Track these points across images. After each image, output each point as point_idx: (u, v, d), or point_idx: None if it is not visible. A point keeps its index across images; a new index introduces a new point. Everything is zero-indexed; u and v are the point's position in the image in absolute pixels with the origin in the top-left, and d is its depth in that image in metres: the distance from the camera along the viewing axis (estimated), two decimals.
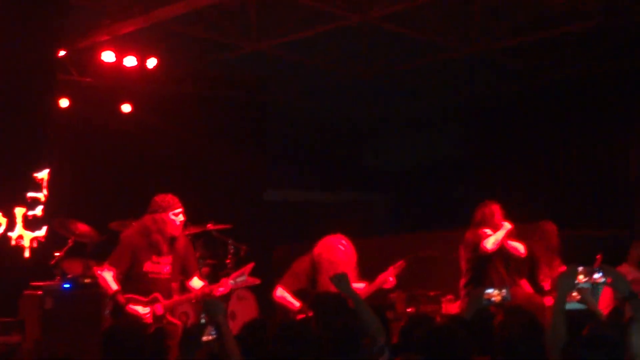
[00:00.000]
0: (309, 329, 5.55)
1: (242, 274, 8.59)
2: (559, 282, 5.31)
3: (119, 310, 8.27)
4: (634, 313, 5.17)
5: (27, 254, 10.66)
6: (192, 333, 5.47)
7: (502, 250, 9.44)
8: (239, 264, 11.69)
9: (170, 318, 8.50)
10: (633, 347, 4.33)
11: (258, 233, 14.51)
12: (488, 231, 9.45)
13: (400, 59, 14.03)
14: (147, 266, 8.40)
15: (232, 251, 11.69)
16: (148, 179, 13.58)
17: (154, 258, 8.43)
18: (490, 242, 9.37)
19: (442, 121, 17.41)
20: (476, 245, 9.46)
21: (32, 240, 10.75)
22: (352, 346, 5.36)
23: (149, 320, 8.30)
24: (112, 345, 5.71)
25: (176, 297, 8.65)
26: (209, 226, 11.31)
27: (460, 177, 17.75)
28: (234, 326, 8.48)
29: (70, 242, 10.83)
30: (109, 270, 8.37)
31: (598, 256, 9.77)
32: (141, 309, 8.28)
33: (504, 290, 6.35)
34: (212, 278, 11.38)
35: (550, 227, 10.03)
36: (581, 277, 5.25)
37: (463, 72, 14.98)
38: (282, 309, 9.11)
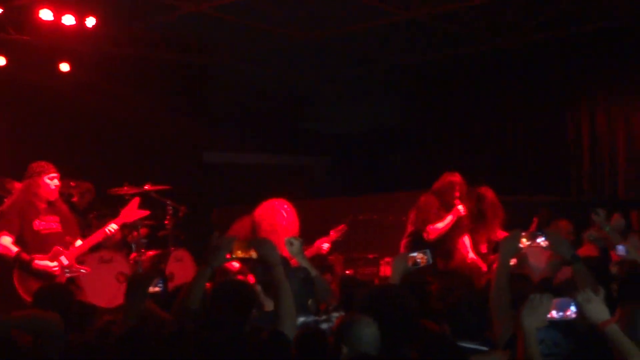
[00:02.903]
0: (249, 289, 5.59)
1: (129, 210, 9.17)
2: (503, 246, 5.40)
3: (26, 269, 8.45)
4: (576, 276, 5.29)
5: None
6: (139, 283, 5.43)
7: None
8: (177, 225, 11.71)
9: (77, 266, 8.74)
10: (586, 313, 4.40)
11: (197, 195, 14.51)
12: (440, 224, 9.57)
13: (341, 23, 14.00)
14: (36, 224, 8.76)
15: (170, 212, 11.68)
16: (85, 139, 13.50)
17: (40, 217, 8.69)
18: (433, 232, 9.53)
19: (382, 87, 17.46)
20: (421, 221, 9.60)
21: None
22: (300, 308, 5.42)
23: (57, 272, 8.51)
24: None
25: (76, 247, 8.83)
26: (147, 187, 11.27)
27: (399, 143, 17.88)
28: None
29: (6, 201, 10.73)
30: (8, 236, 8.57)
31: (535, 218, 9.95)
32: (49, 263, 8.50)
33: (426, 252, 6.41)
34: (151, 238, 11.41)
35: (491, 192, 10.14)
36: (524, 241, 5.35)
37: (403, 38, 15.00)
38: (221, 270, 9.13)
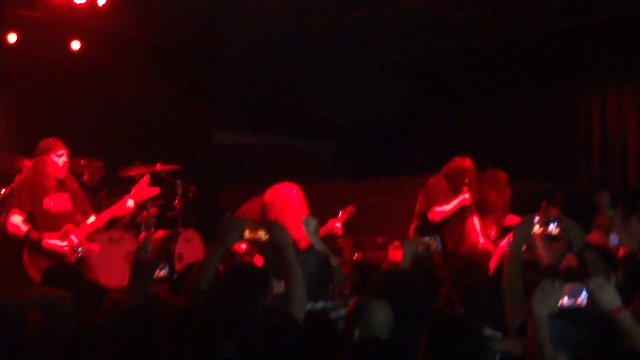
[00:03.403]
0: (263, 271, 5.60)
1: (142, 186, 9.18)
2: (516, 232, 5.39)
3: (36, 248, 8.46)
4: (588, 264, 5.28)
5: None
6: (145, 268, 5.41)
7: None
8: (187, 205, 11.72)
9: (87, 245, 8.73)
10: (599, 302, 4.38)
11: (207, 175, 14.51)
12: (446, 207, 9.56)
13: (349, 9, 13.95)
14: (46, 203, 8.75)
15: (180, 192, 11.69)
16: (96, 117, 13.50)
17: (51, 194, 8.62)
18: (439, 214, 9.53)
19: (390, 74, 17.41)
20: (429, 203, 9.61)
21: None
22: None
23: (67, 251, 8.52)
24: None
25: (86, 225, 8.82)
26: (158, 166, 11.28)
27: (406, 128, 17.84)
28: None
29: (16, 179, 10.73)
30: (14, 213, 8.55)
31: (543, 203, 9.94)
32: (59, 242, 8.48)
33: (436, 238, 6.42)
34: (160, 218, 11.42)
35: (502, 176, 10.13)
36: (537, 228, 5.33)
37: (411, 25, 14.95)
38: (229, 251, 9.15)
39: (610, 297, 4.31)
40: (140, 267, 5.43)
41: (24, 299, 5.17)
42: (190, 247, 11.25)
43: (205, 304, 5.00)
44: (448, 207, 9.59)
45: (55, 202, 8.80)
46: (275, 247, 5.30)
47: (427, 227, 9.60)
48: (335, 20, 14.33)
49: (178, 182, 11.67)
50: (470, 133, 16.58)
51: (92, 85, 13.49)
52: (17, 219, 8.61)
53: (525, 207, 9.78)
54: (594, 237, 9.98)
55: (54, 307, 5.07)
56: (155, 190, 9.54)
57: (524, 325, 4.56)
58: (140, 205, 10.46)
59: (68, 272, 6.44)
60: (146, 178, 9.24)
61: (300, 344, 4.64)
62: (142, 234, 10.84)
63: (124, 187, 10.26)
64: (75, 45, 13.19)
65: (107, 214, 9.01)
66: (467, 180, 9.63)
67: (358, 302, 4.85)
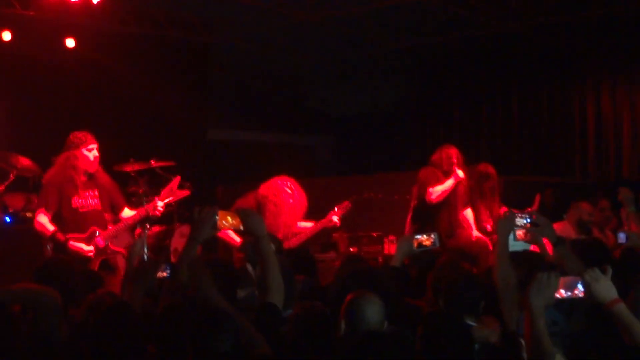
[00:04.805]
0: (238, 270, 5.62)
1: (170, 189, 8.70)
2: (499, 226, 5.44)
3: (61, 249, 8.32)
4: (561, 259, 5.29)
5: None
6: (146, 268, 5.41)
7: (449, 197, 9.61)
8: (182, 201, 11.71)
9: (113, 247, 8.59)
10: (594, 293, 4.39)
11: (202, 171, 14.52)
12: (440, 187, 9.56)
13: (345, 4, 13.95)
14: (75, 202, 8.55)
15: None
16: (91, 114, 13.47)
17: (80, 192, 8.51)
18: (435, 193, 9.51)
19: (386, 68, 17.43)
20: (423, 189, 9.60)
21: None
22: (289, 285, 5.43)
23: (92, 255, 8.38)
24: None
25: (113, 226, 8.69)
26: (152, 162, 11.25)
27: (402, 123, 17.87)
28: None
29: (11, 176, 10.71)
30: (41, 212, 8.44)
31: (537, 197, 9.97)
32: (84, 246, 8.35)
33: (432, 235, 6.36)
34: None
35: (492, 169, 10.14)
36: (517, 221, 5.39)
37: (408, 19, 14.95)
38: (224, 245, 9.17)
39: (606, 290, 4.31)
40: (142, 268, 5.44)
41: (10, 293, 5.15)
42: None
43: (185, 299, 4.96)
44: (443, 186, 9.56)
45: (84, 201, 8.60)
46: (250, 236, 5.29)
47: (423, 213, 9.59)
48: (331, 14, 14.33)
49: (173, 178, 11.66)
50: (466, 128, 16.62)
51: (87, 82, 13.50)
52: (43, 219, 8.45)
53: (520, 201, 9.82)
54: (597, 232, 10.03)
55: (40, 303, 5.05)
56: (185, 192, 9.34)
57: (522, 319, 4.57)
58: (135, 202, 10.35)
59: (57, 267, 6.35)
60: (176, 180, 8.97)
61: (290, 337, 4.66)
62: (138, 230, 10.78)
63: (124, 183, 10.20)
64: (70, 43, 13.20)
65: (135, 216, 8.83)
66: (455, 161, 9.63)
67: (351, 296, 4.86)
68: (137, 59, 14.14)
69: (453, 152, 9.74)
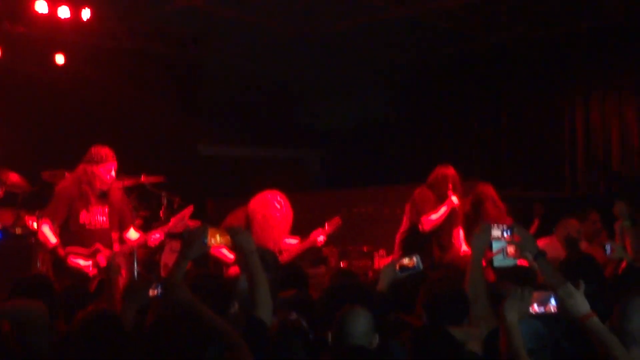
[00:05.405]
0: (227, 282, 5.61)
1: (182, 218, 8.65)
2: (475, 238, 5.41)
3: (61, 264, 8.28)
4: (541, 272, 5.30)
5: None
6: (138, 286, 5.41)
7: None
8: (172, 215, 11.69)
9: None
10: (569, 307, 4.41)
11: (192, 186, 14.49)
12: (435, 215, 9.58)
13: (335, 19, 14.00)
14: (83, 217, 8.47)
15: (165, 203, 11.67)
16: (80, 130, 13.47)
17: (89, 208, 8.46)
18: (429, 223, 9.54)
19: (375, 82, 17.46)
20: (416, 216, 9.62)
21: None
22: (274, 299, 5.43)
23: (92, 272, 8.34)
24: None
25: (117, 247, 8.65)
26: (142, 178, 11.25)
27: (392, 137, 17.90)
28: None
29: (1, 192, 10.69)
30: (46, 223, 8.38)
31: (536, 220, 9.94)
32: (82, 262, 8.31)
33: (414, 258, 6.31)
34: (145, 229, 11.36)
35: (488, 189, 10.07)
36: (493, 234, 5.35)
37: (397, 34, 15.00)
38: (216, 261, 9.16)
39: (579, 304, 4.34)
40: (133, 286, 5.43)
41: None
42: (175, 258, 11.20)
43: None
44: (436, 215, 9.58)
45: (92, 218, 8.51)
46: (239, 252, 5.29)
47: (416, 239, 9.62)
48: (320, 30, 14.38)
49: (163, 193, 11.66)
50: (455, 142, 16.65)
51: (77, 98, 13.50)
52: (47, 230, 8.37)
53: (510, 215, 9.82)
54: (588, 249, 10.05)
55: (27, 318, 5.03)
56: (197, 223, 9.24)
57: (493, 333, 4.58)
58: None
59: (38, 282, 6.32)
60: (189, 210, 8.79)
61: (272, 351, 4.66)
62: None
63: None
64: (60, 59, 13.22)
65: (139, 239, 8.81)
66: (450, 186, 9.63)
67: (341, 311, 4.87)
68: (127, 74, 14.16)
69: (450, 175, 9.72)
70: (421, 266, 6.23)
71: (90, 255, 8.36)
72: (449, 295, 5.17)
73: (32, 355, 4.86)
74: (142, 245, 8.92)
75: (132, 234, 8.82)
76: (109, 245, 8.54)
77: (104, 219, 8.60)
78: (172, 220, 8.81)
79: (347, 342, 4.67)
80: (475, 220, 9.74)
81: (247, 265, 5.17)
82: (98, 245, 8.40)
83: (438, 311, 5.13)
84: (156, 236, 8.75)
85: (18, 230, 10.40)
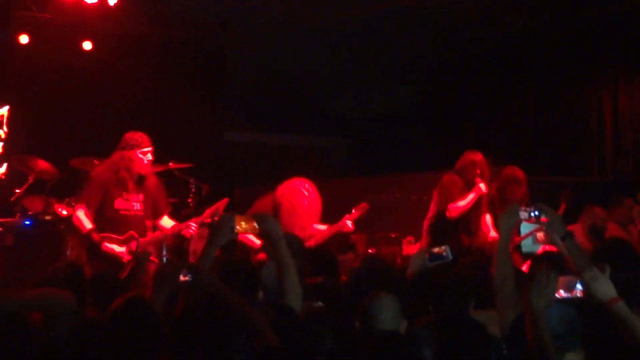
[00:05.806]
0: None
1: (216, 210, 8.65)
2: (501, 222, 5.22)
3: (95, 249, 8.31)
4: (569, 253, 5.21)
5: None
6: (167, 272, 5.41)
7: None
8: (200, 203, 11.72)
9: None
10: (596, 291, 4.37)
11: (219, 173, 14.53)
12: (462, 202, 9.55)
13: (360, 5, 13.96)
14: (118, 203, 8.48)
15: (193, 190, 11.67)
16: (108, 117, 13.52)
17: (124, 195, 8.48)
18: (456, 210, 9.52)
19: (401, 69, 17.41)
20: (443, 203, 9.60)
21: None
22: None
23: (125, 259, 8.36)
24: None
25: (151, 235, 8.66)
26: (171, 165, 11.27)
27: (419, 124, 17.85)
28: None
29: (30, 179, 10.76)
30: (81, 208, 8.40)
31: (562, 204, 9.90)
32: (117, 248, 8.33)
33: (444, 247, 6.30)
34: (173, 216, 11.41)
35: (518, 174, 10.02)
36: (521, 216, 5.24)
37: (422, 21, 14.94)
38: (243, 247, 9.17)
39: (605, 288, 4.30)
40: (162, 272, 5.44)
41: (25, 299, 5.12)
42: (204, 245, 11.22)
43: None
44: (464, 202, 9.56)
45: (127, 204, 8.52)
46: (267, 239, 5.29)
47: (443, 225, 9.61)
48: (346, 16, 14.34)
49: (191, 180, 11.66)
50: (482, 128, 16.60)
51: (104, 85, 13.53)
52: (82, 215, 8.38)
53: (538, 201, 9.75)
54: (612, 229, 9.99)
55: (55, 307, 5.04)
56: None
57: (518, 320, 4.54)
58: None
59: (69, 270, 6.34)
60: (224, 202, 8.73)
61: (300, 338, 4.67)
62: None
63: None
64: (87, 45, 13.22)
65: (174, 228, 8.79)
66: (478, 172, 9.59)
67: (368, 297, 4.87)
68: (154, 60, 14.17)
69: (478, 161, 9.68)
70: (451, 256, 6.24)
71: (125, 242, 8.39)
72: (472, 280, 5.16)
73: (58, 345, 4.87)
74: (176, 234, 8.92)
75: (166, 222, 8.83)
76: (143, 233, 8.55)
77: (139, 205, 8.61)
78: (207, 212, 8.77)
79: (374, 328, 4.67)
80: (501, 203, 9.75)
81: (275, 252, 5.17)
82: (132, 232, 8.43)
83: (462, 295, 5.13)
84: (193, 228, 8.71)
85: (47, 217, 10.45)
